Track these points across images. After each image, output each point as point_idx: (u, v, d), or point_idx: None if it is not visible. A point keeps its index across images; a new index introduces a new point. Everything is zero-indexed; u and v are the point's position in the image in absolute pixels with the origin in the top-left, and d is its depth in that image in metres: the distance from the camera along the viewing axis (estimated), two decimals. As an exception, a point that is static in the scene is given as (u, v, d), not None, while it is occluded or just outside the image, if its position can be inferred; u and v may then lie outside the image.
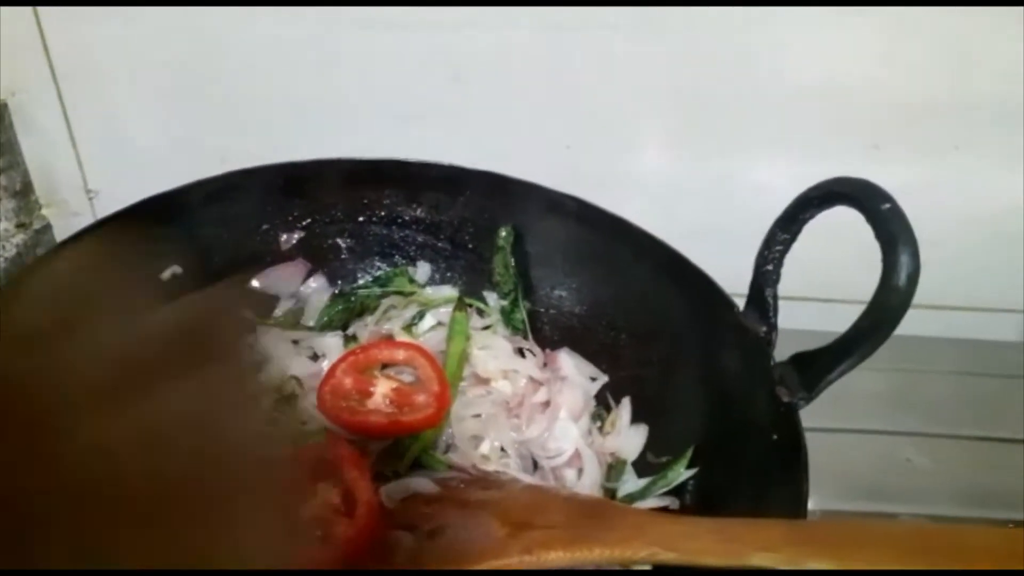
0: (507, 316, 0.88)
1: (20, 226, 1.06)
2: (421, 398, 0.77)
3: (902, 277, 0.59)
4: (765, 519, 0.57)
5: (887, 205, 0.60)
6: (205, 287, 0.82)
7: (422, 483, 0.72)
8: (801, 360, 0.67)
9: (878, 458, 0.91)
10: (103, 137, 1.05)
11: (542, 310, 0.89)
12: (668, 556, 0.58)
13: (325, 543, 0.65)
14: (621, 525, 0.61)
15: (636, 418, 0.80)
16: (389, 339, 0.85)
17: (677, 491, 0.74)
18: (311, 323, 0.87)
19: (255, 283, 0.87)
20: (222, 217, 0.84)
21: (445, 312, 0.87)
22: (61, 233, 1.10)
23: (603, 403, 0.83)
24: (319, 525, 0.66)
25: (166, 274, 0.81)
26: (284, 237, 0.88)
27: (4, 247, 1.04)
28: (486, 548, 0.64)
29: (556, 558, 0.61)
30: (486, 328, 0.88)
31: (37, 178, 1.08)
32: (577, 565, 0.63)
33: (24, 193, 1.07)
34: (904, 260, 0.58)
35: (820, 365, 0.64)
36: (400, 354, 0.82)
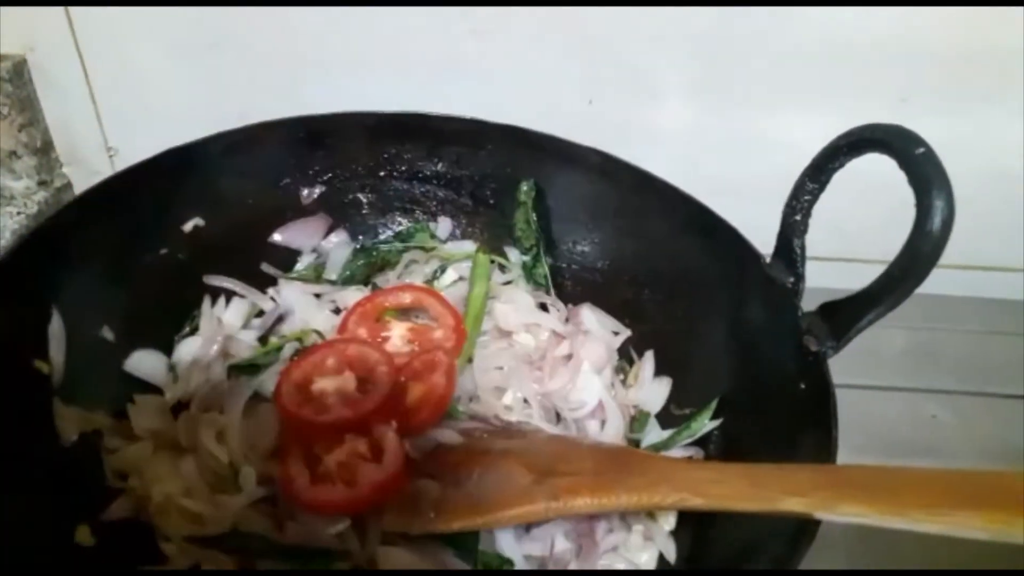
0: (529, 271, 0.88)
1: (41, 183, 1.07)
2: (438, 333, 0.79)
3: (936, 222, 0.57)
4: (795, 464, 0.57)
5: (921, 149, 0.59)
6: (227, 240, 0.83)
7: (447, 434, 0.72)
8: (829, 309, 0.66)
9: (903, 415, 0.90)
10: (122, 94, 1.04)
11: (564, 265, 0.88)
12: (696, 502, 0.58)
13: (354, 485, 0.65)
14: (648, 472, 0.61)
15: (659, 371, 0.80)
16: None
17: (702, 442, 0.73)
18: (333, 277, 0.87)
19: (276, 237, 0.87)
20: (243, 170, 0.84)
21: (466, 267, 0.87)
22: (81, 190, 1.10)
23: (626, 357, 0.83)
24: (348, 470, 0.66)
25: (188, 226, 0.82)
26: (305, 192, 0.88)
27: (26, 204, 1.04)
28: (512, 495, 0.64)
29: (583, 504, 0.61)
30: (507, 283, 0.88)
31: (57, 136, 1.07)
32: (604, 510, 0.64)
33: (45, 151, 1.06)
34: (939, 205, 0.57)
35: (849, 313, 0.64)
36: (407, 297, 0.82)
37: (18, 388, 0.65)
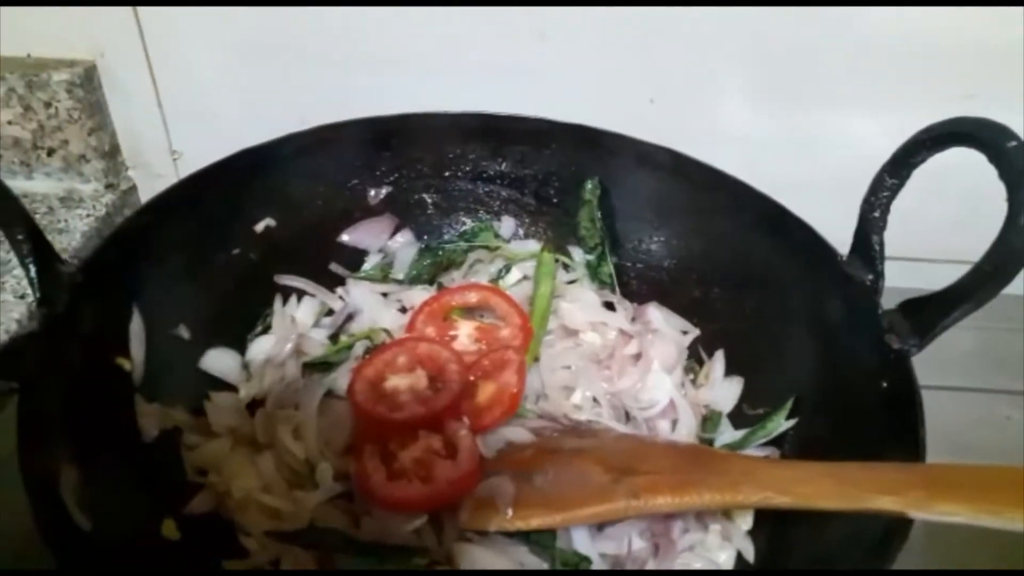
0: (593, 271, 0.88)
1: (109, 186, 1.09)
2: (505, 331, 0.79)
3: (1029, 218, 0.56)
4: (883, 463, 0.56)
5: (1014, 143, 0.58)
6: (297, 240, 0.84)
7: (517, 432, 0.72)
8: (911, 307, 0.65)
9: (976, 416, 0.88)
10: (187, 98, 1.06)
11: (629, 264, 0.88)
12: (782, 500, 0.57)
13: (430, 482, 0.65)
14: (729, 471, 0.61)
15: (730, 370, 0.79)
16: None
17: (777, 442, 0.72)
18: (400, 276, 0.87)
19: (345, 237, 0.88)
20: (312, 172, 0.85)
21: (531, 266, 0.87)
22: (146, 194, 1.12)
23: (695, 356, 0.82)
24: (423, 467, 0.67)
25: (259, 226, 0.83)
26: (372, 192, 0.89)
27: (95, 206, 1.06)
28: (590, 493, 0.64)
29: (664, 503, 0.61)
30: (572, 282, 0.88)
31: (124, 139, 1.10)
32: (685, 509, 0.63)
33: (112, 154, 1.09)
34: (1032, 199, 0.56)
35: (932, 311, 0.63)
36: (473, 296, 0.83)
37: (103, 385, 0.66)
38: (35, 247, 0.62)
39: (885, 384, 0.64)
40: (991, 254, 0.58)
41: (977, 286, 0.59)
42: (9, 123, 1.03)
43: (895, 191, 0.69)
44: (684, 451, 0.67)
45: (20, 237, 0.62)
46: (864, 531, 0.55)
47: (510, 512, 0.65)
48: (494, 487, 0.67)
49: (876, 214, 0.69)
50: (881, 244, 0.69)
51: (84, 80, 1.01)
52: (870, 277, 0.69)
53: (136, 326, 0.70)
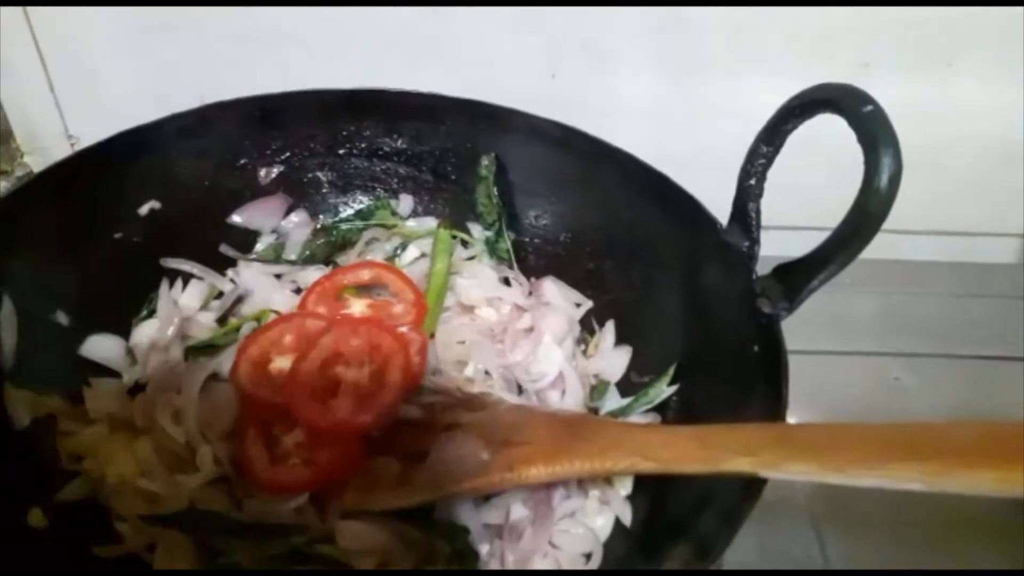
0: (492, 247, 0.87)
1: (2, 173, 1.06)
2: (399, 308, 0.79)
3: (883, 179, 0.57)
4: (743, 424, 0.57)
5: (869, 107, 0.59)
6: (185, 222, 0.83)
7: (408, 409, 0.72)
8: (782, 271, 0.66)
9: (867, 378, 0.91)
10: (81, 81, 1.03)
11: (527, 239, 0.88)
12: (647, 466, 0.57)
13: (313, 465, 0.65)
14: (599, 437, 0.61)
15: (620, 340, 0.80)
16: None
17: (660, 408, 0.73)
18: (293, 257, 0.86)
19: (235, 218, 0.86)
20: (199, 151, 0.83)
21: (428, 243, 0.87)
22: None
23: (587, 327, 0.83)
24: (306, 449, 0.66)
25: (144, 209, 0.81)
26: (263, 172, 0.87)
27: (-14, 194, 1.03)
28: (470, 468, 0.64)
29: (537, 473, 0.61)
30: (470, 259, 0.88)
31: (17, 124, 1.07)
32: (557, 479, 0.63)
33: (4, 140, 1.06)
34: (886, 161, 0.57)
35: (801, 274, 0.63)
36: (366, 274, 0.82)
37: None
38: None
39: (757, 348, 0.64)
40: (850, 217, 0.59)
41: (838, 249, 0.60)
42: None
43: (770, 159, 0.69)
44: (562, 420, 0.68)
45: None
46: (725, 490, 0.57)
47: (391, 492, 0.65)
48: (378, 469, 0.67)
49: (752, 182, 0.70)
50: (757, 212, 0.70)
51: (-32, 62, 0.98)
52: (746, 244, 0.70)
53: (6, 313, 0.68)
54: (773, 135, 0.68)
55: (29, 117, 1.06)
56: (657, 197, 0.77)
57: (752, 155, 0.70)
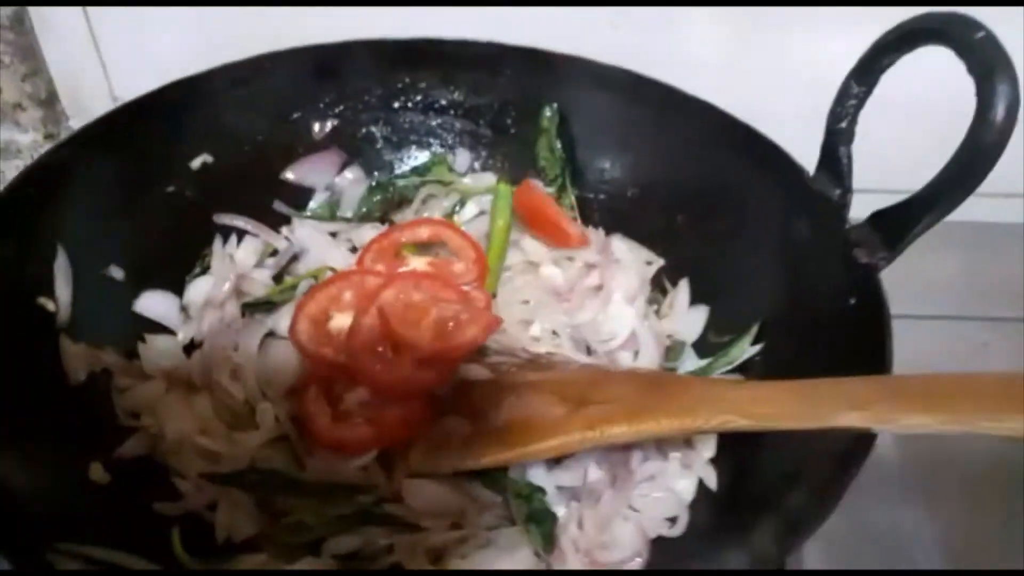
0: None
1: (48, 136, 1.04)
2: (459, 266, 0.75)
3: (1000, 111, 0.52)
4: (847, 378, 0.53)
5: (981, 33, 0.54)
6: (237, 177, 0.80)
7: (474, 369, 0.69)
8: (880, 218, 0.61)
9: (953, 343, 0.85)
10: (127, 41, 1.00)
11: (591, 195, 0.84)
12: (742, 423, 0.53)
13: (376, 424, 0.62)
14: (687, 394, 0.57)
15: (696, 299, 0.76)
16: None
17: (742, 369, 0.69)
18: (348, 214, 0.83)
19: (288, 174, 0.83)
20: (250, 104, 0.80)
21: (488, 200, 0.83)
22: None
23: (659, 287, 0.78)
24: (370, 409, 0.63)
25: (196, 162, 0.78)
26: (317, 126, 0.84)
27: (33, 157, 1.01)
28: (544, 427, 0.60)
29: (620, 432, 0.57)
30: (532, 216, 0.84)
31: (62, 87, 1.04)
32: (642, 438, 0.59)
33: (50, 102, 1.03)
34: (1002, 89, 0.52)
35: (902, 220, 0.59)
36: (424, 231, 0.78)
37: (23, 326, 0.62)
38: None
39: (853, 300, 0.60)
40: (961, 152, 0.54)
41: (947, 188, 0.56)
42: (-67, 71, 0.97)
43: (862, 100, 0.65)
44: (642, 378, 0.64)
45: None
46: (823, 454, 0.53)
47: (461, 453, 0.62)
48: (447, 428, 0.63)
49: (843, 125, 0.65)
50: (849, 157, 0.66)
51: (14, 21, 0.96)
52: (837, 192, 0.65)
53: (61, 264, 0.66)
54: (866, 73, 0.64)
55: (75, 78, 1.03)
56: (737, 147, 0.73)
57: (842, 96, 0.65)
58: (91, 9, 0.98)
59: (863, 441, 0.50)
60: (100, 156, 0.71)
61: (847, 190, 0.65)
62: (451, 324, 0.67)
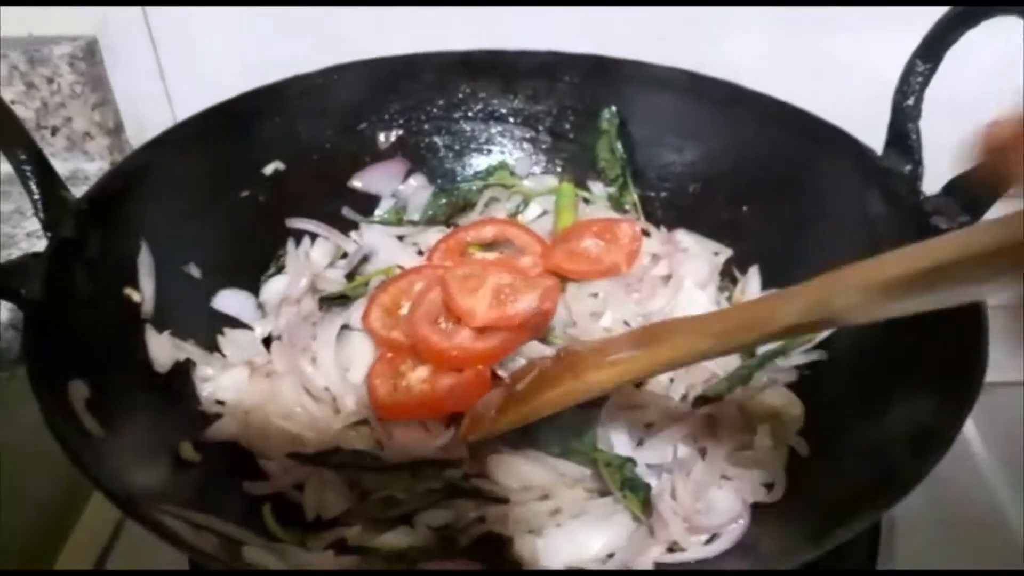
0: (616, 202, 0.84)
1: (114, 164, 1.07)
2: (526, 260, 0.76)
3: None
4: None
5: (1052, -3, 0.55)
6: (308, 184, 0.82)
7: (535, 348, 0.68)
8: (957, 185, 0.62)
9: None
10: (191, 70, 1.04)
11: (652, 194, 0.85)
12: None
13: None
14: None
15: (767, 284, 0.76)
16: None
17: (825, 345, 0.68)
18: (415, 218, 0.84)
19: (356, 182, 0.85)
20: (319, 114, 0.83)
21: (550, 200, 0.85)
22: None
23: (728, 276, 0.79)
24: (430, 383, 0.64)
25: (268, 169, 0.80)
26: (382, 136, 0.86)
27: (100, 183, 1.04)
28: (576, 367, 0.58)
29: (626, 358, 0.56)
30: (596, 215, 0.85)
31: (127, 115, 1.08)
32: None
33: (116, 131, 1.07)
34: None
35: (979, 184, 0.59)
36: (488, 231, 0.80)
37: (112, 312, 0.64)
38: (37, 169, 0.61)
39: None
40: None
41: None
42: (12, 103, 1.01)
43: (928, 76, 0.66)
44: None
45: (23, 157, 0.60)
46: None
47: (491, 415, 0.60)
48: (487, 399, 0.63)
49: (910, 102, 0.67)
50: (917, 132, 0.67)
51: (86, 53, 1.00)
52: (908, 167, 0.66)
53: (145, 258, 0.68)
54: (932, 49, 0.65)
55: (139, 107, 1.07)
56: (803, 136, 0.74)
57: (908, 73, 0.67)
58: (159, 40, 1.02)
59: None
60: (176, 161, 0.73)
61: (918, 163, 0.66)
62: (507, 291, 0.67)
